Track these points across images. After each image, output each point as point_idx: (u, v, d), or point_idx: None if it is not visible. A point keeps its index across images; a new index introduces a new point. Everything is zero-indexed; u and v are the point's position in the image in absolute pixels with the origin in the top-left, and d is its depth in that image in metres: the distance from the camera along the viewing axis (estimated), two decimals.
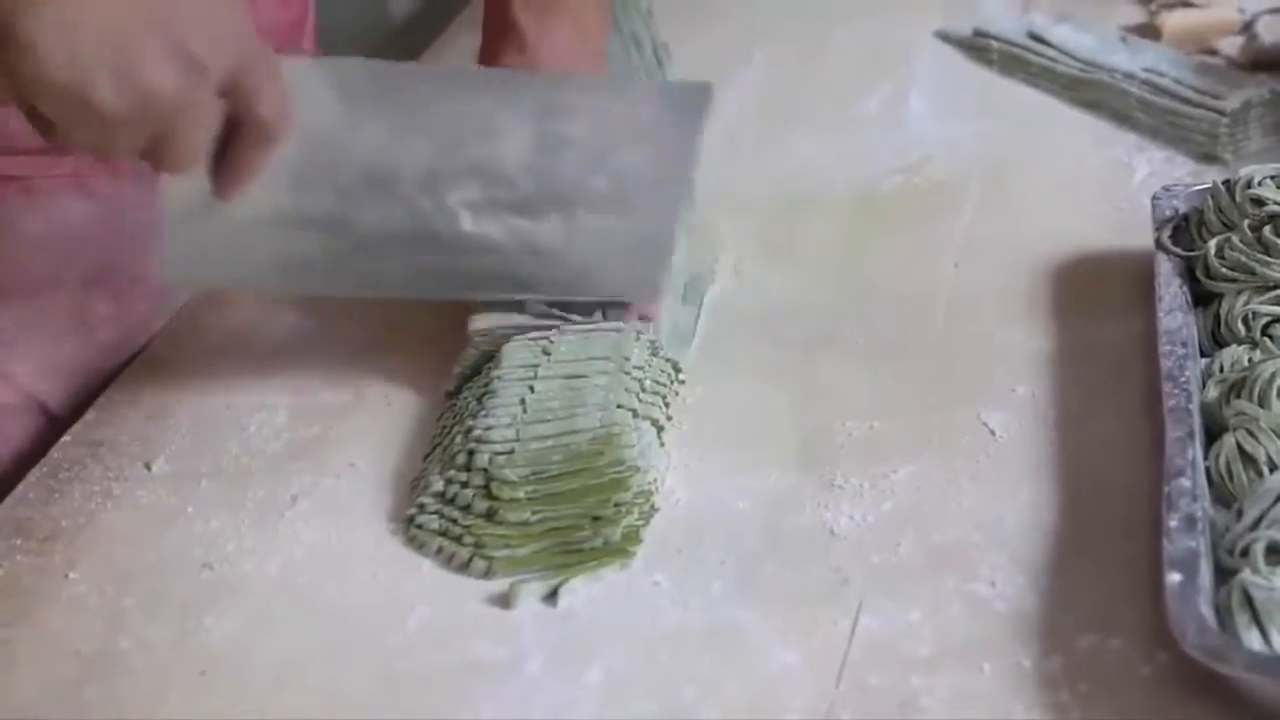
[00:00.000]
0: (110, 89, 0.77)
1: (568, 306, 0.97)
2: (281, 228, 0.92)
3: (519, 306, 0.97)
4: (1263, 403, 0.82)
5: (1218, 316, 0.92)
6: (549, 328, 0.95)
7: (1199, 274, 0.95)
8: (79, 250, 1.04)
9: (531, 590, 0.81)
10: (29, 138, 0.88)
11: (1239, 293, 0.92)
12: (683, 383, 0.96)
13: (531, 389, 0.90)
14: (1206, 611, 0.71)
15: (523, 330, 0.95)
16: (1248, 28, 1.30)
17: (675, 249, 0.98)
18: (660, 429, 0.91)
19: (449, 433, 0.91)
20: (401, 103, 0.91)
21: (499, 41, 1.06)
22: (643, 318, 0.97)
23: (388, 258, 0.94)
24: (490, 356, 0.95)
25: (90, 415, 0.97)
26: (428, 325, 1.02)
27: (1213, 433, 0.83)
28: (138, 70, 0.78)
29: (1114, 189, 1.14)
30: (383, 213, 0.93)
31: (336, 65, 0.91)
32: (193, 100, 0.80)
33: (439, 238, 0.94)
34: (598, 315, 0.97)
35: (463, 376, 0.96)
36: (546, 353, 0.93)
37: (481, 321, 0.96)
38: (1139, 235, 1.01)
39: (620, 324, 0.95)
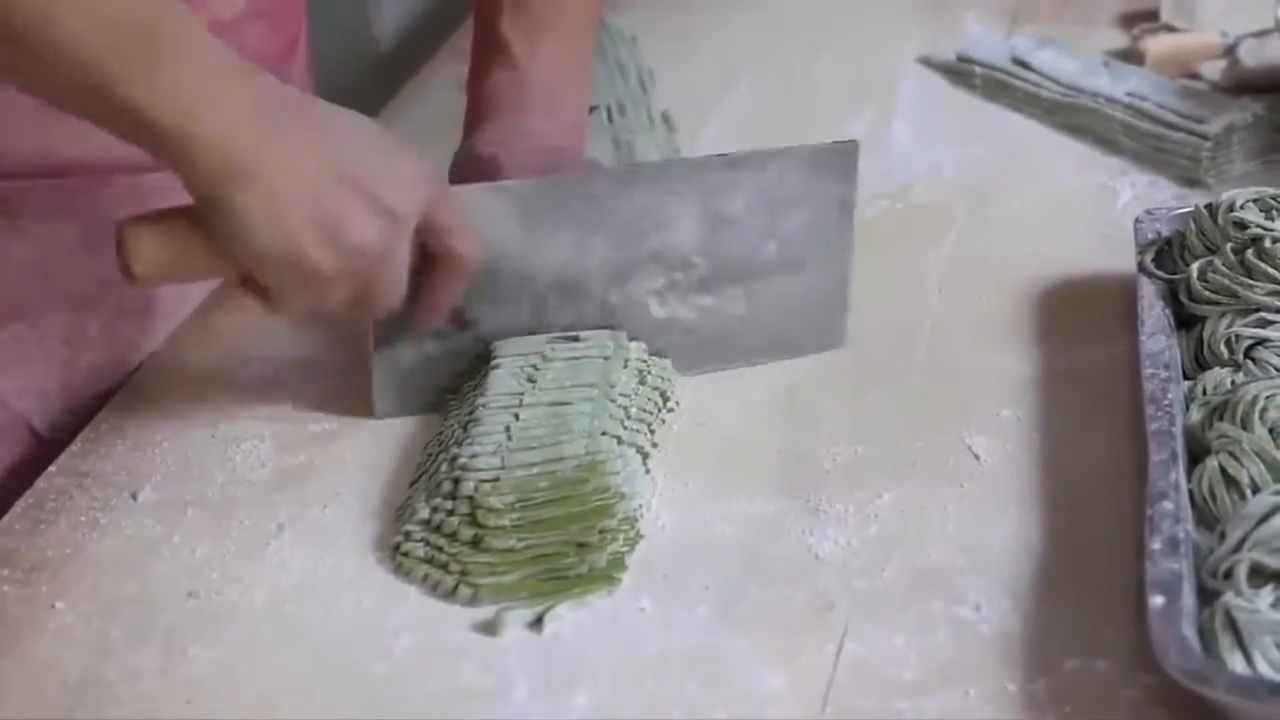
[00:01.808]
0: (320, 250, 0.83)
1: None
2: (483, 347, 0.97)
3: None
4: (1245, 425, 0.83)
5: (1200, 339, 0.92)
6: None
7: (1182, 297, 0.96)
8: (67, 273, 1.04)
9: (517, 617, 0.81)
10: (13, 160, 0.89)
11: (1222, 315, 0.93)
12: (670, 410, 0.96)
13: (517, 416, 0.90)
14: (1190, 634, 0.71)
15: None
16: (1230, 52, 1.30)
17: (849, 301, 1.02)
18: (645, 455, 0.91)
19: (434, 460, 0.91)
20: (576, 211, 0.96)
21: (488, 58, 1.07)
22: None
23: None
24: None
25: (76, 445, 0.97)
26: None
27: (1195, 455, 0.84)
28: (343, 230, 0.84)
29: (1097, 213, 1.15)
30: (576, 314, 0.97)
31: (511, 187, 0.95)
32: (394, 247, 0.86)
33: (633, 328, 0.98)
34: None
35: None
36: (531, 380, 0.93)
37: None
38: (1122, 259, 1.02)
39: (608, 348, 0.96)
